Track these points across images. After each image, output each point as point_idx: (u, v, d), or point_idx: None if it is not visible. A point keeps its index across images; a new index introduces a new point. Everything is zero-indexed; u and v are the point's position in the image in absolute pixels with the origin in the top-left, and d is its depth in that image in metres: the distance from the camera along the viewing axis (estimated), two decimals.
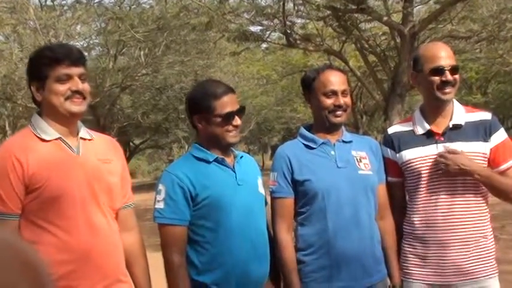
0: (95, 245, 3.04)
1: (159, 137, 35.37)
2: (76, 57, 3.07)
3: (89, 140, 3.21)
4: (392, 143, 3.62)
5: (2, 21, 18.25)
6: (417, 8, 14.65)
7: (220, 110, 3.33)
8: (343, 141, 3.58)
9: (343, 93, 3.53)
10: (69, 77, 3.03)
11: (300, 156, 3.51)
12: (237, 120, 3.38)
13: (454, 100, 3.59)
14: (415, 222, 3.51)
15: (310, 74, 3.61)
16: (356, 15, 13.13)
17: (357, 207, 3.47)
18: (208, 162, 3.38)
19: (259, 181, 3.53)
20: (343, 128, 3.65)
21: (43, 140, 3.05)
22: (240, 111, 3.41)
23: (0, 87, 19.53)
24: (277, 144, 30.76)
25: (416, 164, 3.50)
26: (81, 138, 3.17)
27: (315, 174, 3.45)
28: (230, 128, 3.35)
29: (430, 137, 3.53)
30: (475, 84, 32.67)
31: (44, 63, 3.04)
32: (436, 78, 3.46)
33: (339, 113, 3.52)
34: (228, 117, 3.35)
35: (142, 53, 20.04)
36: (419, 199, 3.51)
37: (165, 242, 3.34)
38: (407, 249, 3.57)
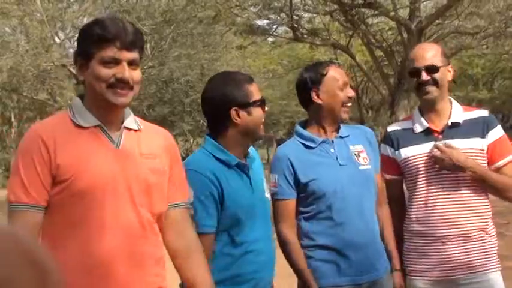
0: (120, 254, 2.59)
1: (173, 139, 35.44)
2: (130, 40, 2.57)
3: (135, 130, 2.74)
4: (392, 141, 3.63)
5: (8, 13, 18.28)
6: (424, 3, 14.61)
7: (257, 95, 3.08)
8: (340, 137, 3.55)
9: (350, 86, 3.56)
10: (116, 62, 2.56)
11: (301, 157, 3.41)
12: (265, 109, 3.16)
13: (452, 99, 3.61)
14: (415, 219, 3.54)
15: (318, 71, 3.49)
16: (363, 9, 13.12)
17: (361, 203, 3.47)
18: (229, 166, 3.07)
19: (265, 185, 3.35)
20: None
21: (79, 127, 2.62)
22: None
23: (7, 79, 19.59)
24: (283, 138, 30.78)
25: (415, 162, 3.53)
26: (125, 128, 2.70)
27: (319, 174, 3.41)
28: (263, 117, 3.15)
29: (428, 134, 3.54)
30: (481, 80, 32.67)
31: (91, 40, 2.58)
32: (414, 80, 3.51)
33: (349, 105, 3.51)
34: (263, 104, 3.13)
35: (148, 45, 20.05)
36: (418, 196, 3.53)
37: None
38: (409, 246, 3.59)
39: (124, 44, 2.55)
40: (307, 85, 3.48)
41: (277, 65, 26.18)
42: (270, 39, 18.74)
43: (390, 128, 3.74)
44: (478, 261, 3.46)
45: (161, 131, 2.93)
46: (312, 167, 3.41)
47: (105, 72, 2.55)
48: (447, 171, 3.45)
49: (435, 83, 3.47)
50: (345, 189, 3.42)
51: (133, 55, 2.59)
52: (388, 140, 3.67)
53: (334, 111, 3.48)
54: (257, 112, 3.08)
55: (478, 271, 3.46)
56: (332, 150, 3.49)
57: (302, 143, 3.48)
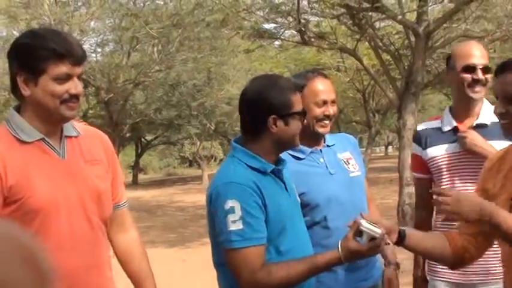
0: (80, 265, 2.61)
1: (171, 133, 35.45)
2: (80, 55, 2.57)
3: (75, 137, 2.73)
4: (420, 140, 3.65)
5: (16, 17, 18.37)
6: (431, 7, 14.59)
7: (298, 106, 2.88)
8: (328, 146, 3.52)
9: (332, 102, 3.44)
10: (69, 77, 2.53)
11: (291, 169, 3.18)
12: (303, 121, 2.98)
13: (485, 100, 3.59)
14: (440, 219, 3.53)
15: (298, 81, 3.29)
16: (370, 13, 13.10)
17: (355, 209, 3.38)
18: (264, 173, 2.87)
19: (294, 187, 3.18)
20: None
21: (23, 142, 2.56)
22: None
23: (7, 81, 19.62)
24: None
25: (441, 161, 3.53)
26: (66, 136, 2.69)
27: (311, 186, 3.34)
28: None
29: (455, 134, 3.54)
30: (488, 84, 32.53)
31: (43, 55, 2.50)
32: (468, 76, 3.46)
33: (326, 122, 3.41)
34: (304, 115, 2.95)
35: (155, 49, 20.09)
36: None
37: (251, 267, 2.73)
38: None
39: (76, 60, 2.55)
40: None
41: (284, 68, 26.12)
42: (277, 42, 18.72)
43: (420, 127, 3.75)
44: (500, 268, 3.44)
45: (97, 133, 2.94)
46: (302, 179, 3.30)
47: (59, 89, 2.53)
48: (471, 170, 3.43)
49: (485, 83, 3.48)
50: (338, 197, 3.38)
51: (81, 69, 2.61)
52: (418, 139, 3.68)
53: (309, 126, 3.38)
54: (295, 123, 2.89)
55: (499, 278, 3.44)
56: (321, 159, 3.46)
57: (290, 154, 3.35)
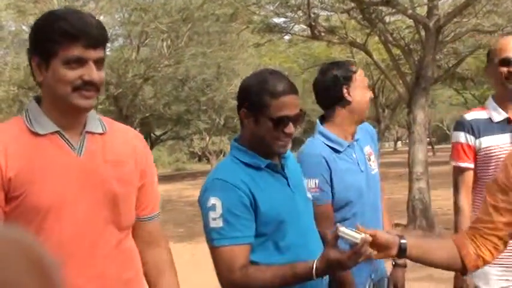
0: (81, 279, 2.28)
1: (180, 128, 35.51)
2: (97, 37, 2.27)
3: (100, 134, 2.43)
4: (472, 129, 3.66)
5: (25, 11, 18.38)
6: (442, 1, 14.54)
7: (274, 112, 2.65)
8: (355, 140, 3.48)
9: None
10: (82, 62, 2.25)
11: (333, 162, 3.26)
12: (291, 128, 2.70)
13: None
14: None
15: (344, 73, 3.36)
16: (381, 8, 13.06)
17: (377, 207, 3.51)
18: (259, 168, 2.74)
19: (305, 183, 3.08)
20: None
21: (35, 134, 2.30)
22: (298, 117, 2.74)
23: (23, 77, 19.67)
24: (298, 137, 30.78)
25: (494, 151, 3.58)
26: (88, 132, 2.39)
27: (347, 181, 3.32)
28: (281, 135, 2.69)
29: (508, 124, 3.62)
30: None
31: (53, 36, 2.23)
32: (504, 69, 3.56)
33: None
34: (280, 123, 2.67)
35: (165, 44, 20.11)
36: None
37: (228, 266, 2.63)
38: None
39: (90, 42, 2.25)
40: (338, 81, 3.36)
41: (293, 63, 26.13)
42: (287, 37, 18.71)
43: (469, 117, 3.74)
44: None
45: (130, 132, 2.62)
46: (340, 173, 3.30)
47: (71, 74, 2.24)
48: None
49: None
50: (364, 195, 3.39)
51: (99, 53, 2.30)
52: (468, 127, 3.69)
53: (363, 110, 3.43)
54: (267, 126, 2.68)
55: None
56: (354, 155, 3.44)
57: (329, 146, 3.34)
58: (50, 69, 2.26)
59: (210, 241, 2.67)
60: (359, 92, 3.39)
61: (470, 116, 3.75)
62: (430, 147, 28.05)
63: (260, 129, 2.70)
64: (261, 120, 2.69)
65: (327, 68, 3.46)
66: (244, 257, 2.64)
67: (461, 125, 3.75)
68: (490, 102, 3.69)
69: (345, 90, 3.36)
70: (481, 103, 38.56)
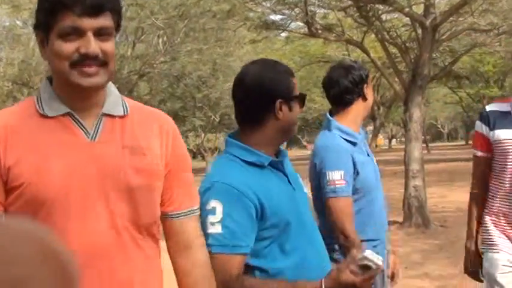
0: (88, 284, 1.82)
1: (175, 125, 35.47)
2: (92, 3, 1.95)
3: (120, 117, 2.12)
4: (488, 120, 3.66)
5: (20, 6, 18.35)
6: (438, 0, 14.58)
7: (297, 90, 2.62)
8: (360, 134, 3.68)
9: None
10: (79, 32, 1.95)
11: (354, 154, 3.44)
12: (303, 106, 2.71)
13: None
14: (500, 199, 3.60)
15: (363, 72, 3.60)
16: (377, 6, 13.09)
17: (382, 195, 3.66)
18: (262, 167, 2.57)
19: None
20: None
21: (44, 116, 2.03)
22: None
23: (17, 72, 19.65)
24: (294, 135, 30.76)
25: (507, 144, 3.57)
26: (104, 114, 2.09)
27: (365, 171, 3.49)
28: None
29: None
30: (492, 78, 32.56)
31: (47, 7, 1.98)
32: None
33: None
34: (303, 98, 2.67)
35: (160, 40, 20.08)
36: (505, 179, 3.57)
37: (225, 275, 2.41)
38: (491, 222, 3.65)
39: (85, 9, 1.94)
40: (363, 80, 3.56)
41: (290, 60, 26.13)
42: (283, 34, 18.72)
43: (489, 108, 3.74)
44: None
45: (155, 115, 2.26)
46: (360, 165, 3.46)
47: (65, 47, 1.95)
48: None
49: None
50: (376, 184, 3.59)
51: (101, 22, 1.97)
52: (485, 118, 3.69)
53: (370, 106, 3.68)
54: (297, 108, 2.62)
55: None
56: (363, 148, 3.61)
57: (345, 139, 3.49)
58: (48, 44, 2.01)
59: (207, 246, 2.38)
60: (370, 90, 3.63)
61: (491, 107, 3.75)
62: (424, 145, 28.11)
63: (293, 114, 2.60)
64: (293, 105, 2.60)
65: (348, 68, 3.61)
66: (240, 269, 2.44)
67: (480, 115, 3.78)
68: None
69: (366, 89, 3.58)
70: (475, 102, 38.70)
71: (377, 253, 2.43)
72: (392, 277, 3.81)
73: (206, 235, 2.39)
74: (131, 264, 2.04)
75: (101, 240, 1.99)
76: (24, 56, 19.45)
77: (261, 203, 2.45)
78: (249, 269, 2.47)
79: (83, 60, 1.96)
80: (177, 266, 2.26)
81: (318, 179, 3.43)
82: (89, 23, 1.94)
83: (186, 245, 2.24)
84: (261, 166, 2.56)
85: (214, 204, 2.42)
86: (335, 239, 3.34)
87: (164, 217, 2.22)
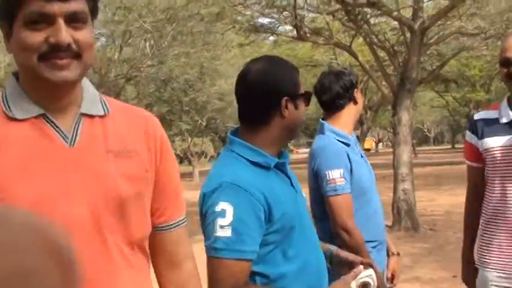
0: None
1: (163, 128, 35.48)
2: None
3: (101, 117, 1.83)
4: (476, 129, 3.57)
5: None
6: (426, 4, 14.64)
7: (302, 88, 2.54)
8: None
9: None
10: (49, 20, 1.66)
11: (349, 153, 3.54)
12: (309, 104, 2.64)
13: None
14: (491, 209, 3.48)
15: (354, 78, 3.72)
16: (366, 9, 13.12)
17: (377, 195, 3.75)
18: (268, 168, 2.45)
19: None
20: None
21: (13, 120, 1.72)
22: None
23: (4, 76, 19.52)
24: None
25: (497, 152, 3.45)
26: (83, 115, 1.80)
27: (361, 172, 3.57)
28: None
29: None
30: (479, 82, 32.73)
31: None
32: (504, 70, 3.39)
33: None
34: (308, 94, 2.57)
35: (148, 44, 20.03)
36: (495, 187, 3.46)
37: (233, 282, 2.30)
38: (484, 237, 3.54)
39: None
40: (353, 85, 3.67)
41: None
42: (272, 38, 18.74)
43: (476, 116, 3.65)
44: None
45: (140, 115, 1.98)
46: (355, 164, 3.53)
47: (32, 36, 1.66)
48: None
49: None
50: (368, 185, 3.63)
51: (73, 6, 1.67)
52: (473, 127, 3.60)
53: (361, 111, 3.83)
54: (303, 106, 2.52)
55: None
56: (356, 148, 3.68)
57: (339, 141, 3.56)
58: (13, 35, 1.72)
59: (211, 250, 2.31)
60: (359, 94, 3.76)
61: (479, 115, 3.66)
62: (411, 148, 28.21)
63: (299, 112, 2.51)
64: (299, 103, 2.51)
65: (339, 74, 3.72)
66: (247, 275, 2.33)
67: (468, 124, 3.73)
68: (504, 102, 3.55)
69: (356, 94, 3.70)
70: (461, 106, 38.86)
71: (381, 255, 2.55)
72: (392, 279, 3.85)
73: (214, 238, 2.28)
74: (118, 281, 1.78)
75: (90, 259, 1.69)
76: (10, 59, 19.30)
77: (269, 206, 2.33)
78: (249, 275, 2.37)
79: (53, 51, 1.66)
80: (165, 280, 2.05)
81: (316, 182, 3.47)
82: (58, 7, 1.65)
83: (177, 258, 2.04)
84: (266, 167, 2.44)
85: (224, 206, 2.28)
86: (335, 244, 3.28)
87: (153, 229, 1.96)
